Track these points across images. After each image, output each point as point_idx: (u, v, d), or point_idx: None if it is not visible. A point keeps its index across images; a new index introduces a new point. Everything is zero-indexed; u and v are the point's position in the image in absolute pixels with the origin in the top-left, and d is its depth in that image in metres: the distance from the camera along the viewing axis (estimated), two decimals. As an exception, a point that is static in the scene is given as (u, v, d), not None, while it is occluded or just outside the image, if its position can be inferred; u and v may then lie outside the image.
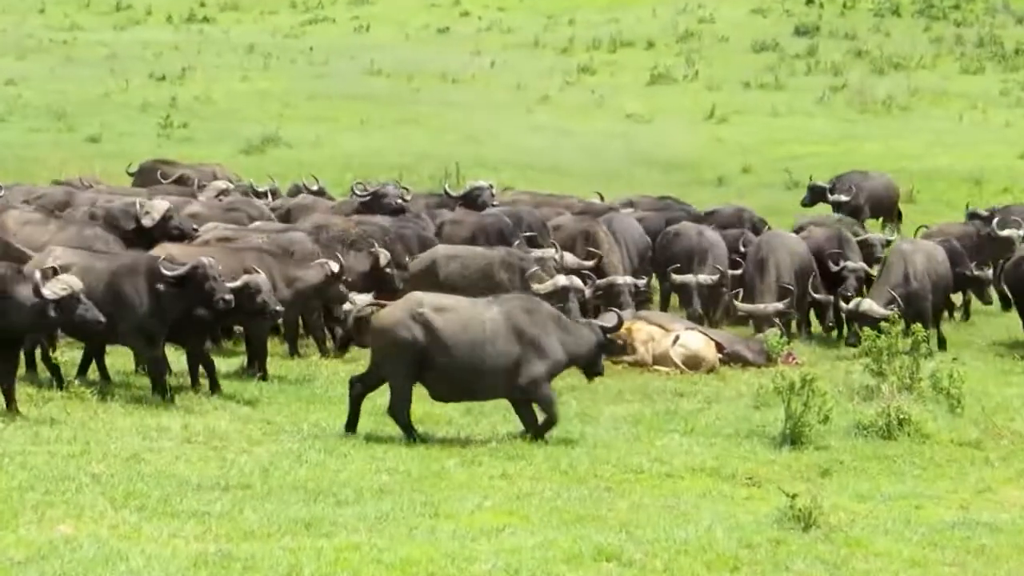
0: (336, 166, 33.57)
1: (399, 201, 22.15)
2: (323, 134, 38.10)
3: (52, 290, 14.13)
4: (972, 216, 25.22)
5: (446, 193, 24.42)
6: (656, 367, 18.45)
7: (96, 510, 11.44)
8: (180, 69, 47.04)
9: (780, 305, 19.78)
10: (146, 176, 26.50)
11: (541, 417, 14.46)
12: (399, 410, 14.35)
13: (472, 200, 23.55)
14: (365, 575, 10.15)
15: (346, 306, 17.89)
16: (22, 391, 15.30)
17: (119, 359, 17.24)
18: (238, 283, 15.69)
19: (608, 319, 14.97)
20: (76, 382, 15.57)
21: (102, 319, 14.35)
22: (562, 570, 10.40)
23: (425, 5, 61.33)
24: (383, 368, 14.44)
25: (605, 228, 21.73)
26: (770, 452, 14.33)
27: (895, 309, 18.91)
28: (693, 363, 18.38)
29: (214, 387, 15.83)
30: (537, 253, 19.44)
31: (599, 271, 20.59)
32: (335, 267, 17.30)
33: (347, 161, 34.55)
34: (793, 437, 14.51)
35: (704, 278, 20.41)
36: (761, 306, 19.86)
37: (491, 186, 24.20)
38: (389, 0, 62.19)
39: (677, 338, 18.54)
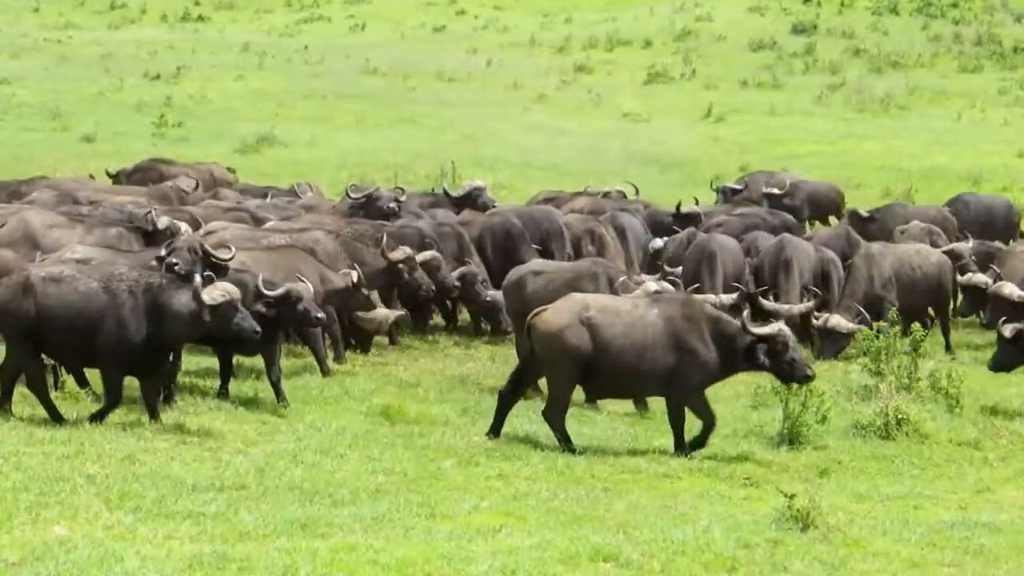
0: (332, 165, 33.57)
1: (392, 204, 22.09)
2: (319, 133, 38.11)
3: (211, 296, 14.08)
4: (851, 215, 25.20)
5: (445, 194, 24.37)
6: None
7: (91, 511, 11.41)
8: (175, 68, 47.06)
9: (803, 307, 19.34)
10: (142, 176, 26.47)
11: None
12: (556, 415, 14.23)
13: (472, 201, 23.52)
14: (361, 576, 10.14)
15: (382, 310, 17.94)
16: (17, 391, 15.27)
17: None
18: (280, 291, 15.42)
19: (770, 326, 14.34)
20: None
21: (258, 329, 14.27)
22: (559, 571, 10.39)
23: (421, 4, 61.38)
24: (547, 372, 14.30)
25: (610, 227, 21.75)
26: (768, 452, 14.35)
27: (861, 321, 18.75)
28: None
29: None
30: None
31: None
32: (355, 277, 17.41)
33: (342, 160, 34.55)
34: (791, 437, 14.52)
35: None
36: (786, 307, 19.39)
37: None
38: (385, -1, 62.26)
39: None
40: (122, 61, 48.74)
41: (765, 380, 16.07)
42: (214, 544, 10.71)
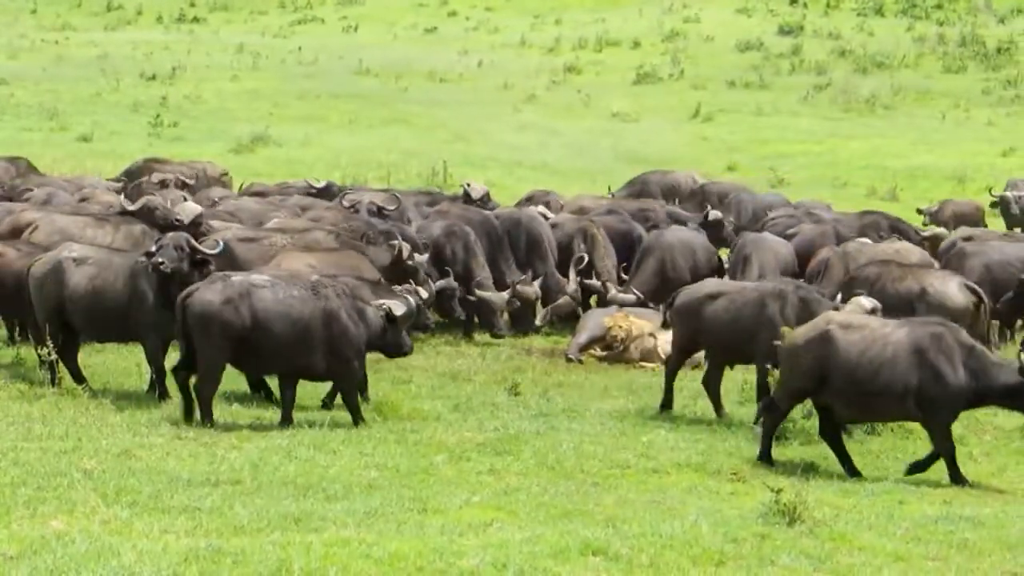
0: (325, 165, 33.63)
1: (375, 208, 22.11)
2: (312, 133, 38.16)
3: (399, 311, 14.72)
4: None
5: (467, 197, 24.34)
6: (642, 363, 18.54)
7: (88, 506, 11.50)
8: (170, 69, 47.10)
9: None
10: (136, 176, 26.54)
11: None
12: (770, 426, 14.10)
13: (482, 205, 23.65)
14: (354, 570, 10.20)
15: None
16: (14, 388, 15.41)
17: (111, 357, 17.34)
18: (404, 309, 15.12)
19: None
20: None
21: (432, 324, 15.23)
22: (549, 564, 10.45)
23: (413, 5, 61.46)
24: (788, 383, 14.07)
25: (602, 229, 21.75)
26: (755, 448, 14.40)
27: None
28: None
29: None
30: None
31: (589, 273, 20.71)
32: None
33: (336, 159, 34.61)
34: (778, 433, 14.59)
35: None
36: None
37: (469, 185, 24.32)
38: (377, 0, 62.28)
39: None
40: (118, 62, 48.80)
41: (752, 376, 16.22)
42: (209, 538, 10.79)
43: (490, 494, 12.48)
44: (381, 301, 14.85)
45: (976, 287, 17.73)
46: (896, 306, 16.46)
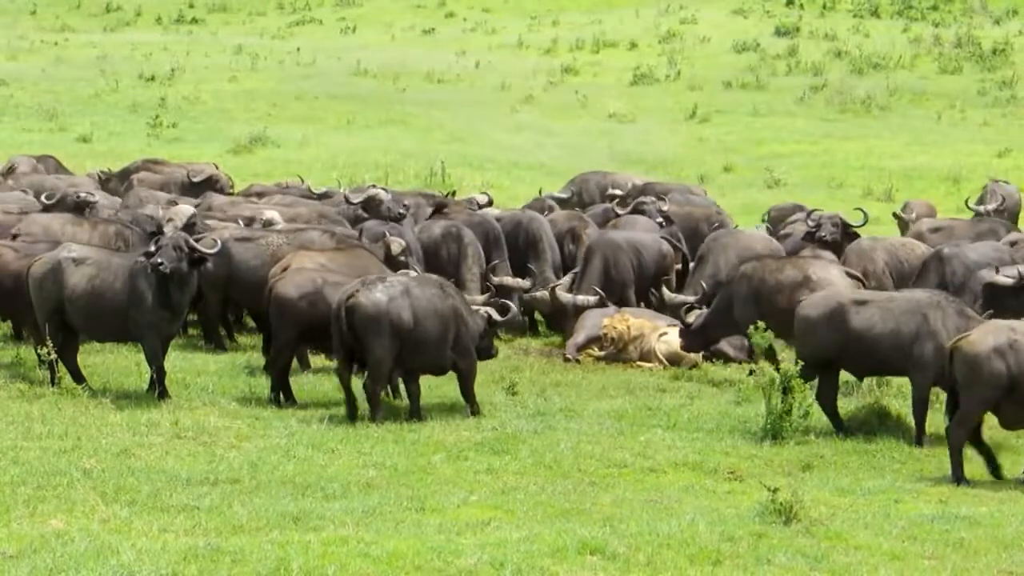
0: (322, 165, 33.64)
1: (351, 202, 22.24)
2: (310, 134, 38.17)
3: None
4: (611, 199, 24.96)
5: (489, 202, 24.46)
6: (639, 363, 18.59)
7: (87, 505, 11.56)
8: (169, 70, 47.12)
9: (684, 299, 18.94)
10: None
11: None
12: (961, 435, 13.91)
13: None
14: (352, 568, 10.25)
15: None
16: (14, 388, 15.45)
17: (111, 357, 17.38)
18: (507, 314, 16.21)
19: None
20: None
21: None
22: (547, 563, 10.51)
23: (411, 6, 61.52)
24: (963, 395, 13.81)
25: (593, 228, 21.78)
26: (752, 447, 14.46)
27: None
28: (676, 359, 18.51)
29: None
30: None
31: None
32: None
33: (333, 160, 34.62)
34: (774, 432, 14.62)
35: None
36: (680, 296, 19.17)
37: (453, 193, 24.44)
38: (375, 2, 62.37)
39: (663, 334, 18.64)
40: (117, 63, 48.82)
41: (748, 376, 16.28)
42: (208, 537, 10.86)
43: (488, 493, 12.53)
44: (481, 306, 15.79)
45: (857, 273, 17.90)
46: (773, 295, 17.16)
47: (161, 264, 15.20)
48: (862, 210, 22.14)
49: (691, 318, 17.85)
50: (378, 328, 14.69)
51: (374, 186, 23.54)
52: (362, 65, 48.64)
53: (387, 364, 14.86)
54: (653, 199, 23.01)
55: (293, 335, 15.59)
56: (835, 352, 15.20)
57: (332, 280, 15.81)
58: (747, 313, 17.18)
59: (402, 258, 18.65)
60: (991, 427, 14.33)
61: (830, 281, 17.21)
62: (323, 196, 24.05)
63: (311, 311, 15.49)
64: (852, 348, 15.13)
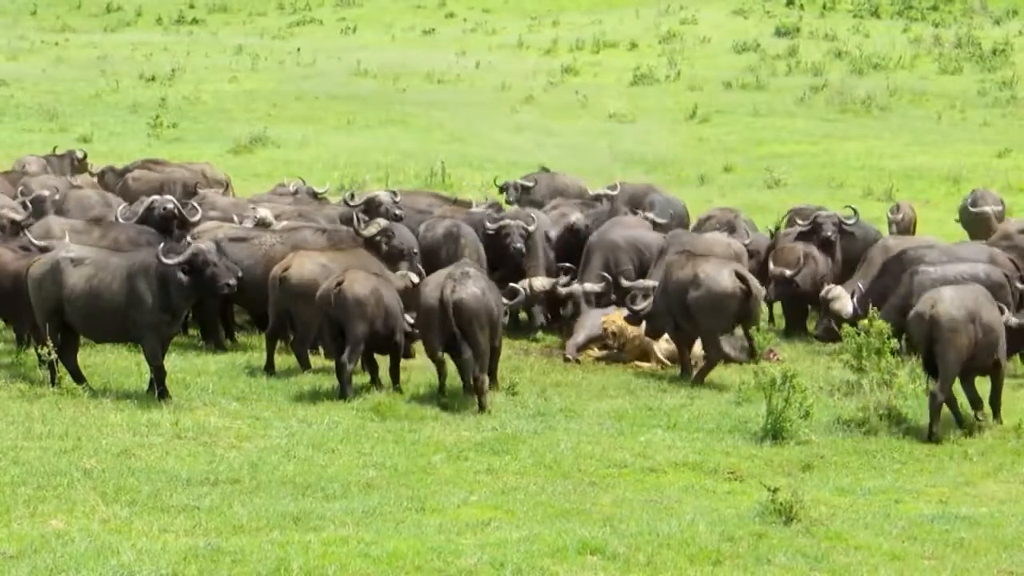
0: (323, 165, 33.64)
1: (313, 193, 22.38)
2: (310, 134, 38.19)
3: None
4: (596, 198, 24.95)
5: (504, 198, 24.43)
6: (639, 363, 18.59)
7: (87, 505, 11.58)
8: (170, 70, 47.18)
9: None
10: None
11: None
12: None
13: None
14: (352, 569, 10.27)
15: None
16: (14, 388, 15.45)
17: (111, 357, 17.38)
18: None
19: None
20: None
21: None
22: (547, 563, 10.53)
23: (411, 7, 61.61)
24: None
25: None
26: (752, 447, 14.47)
27: None
28: (676, 358, 18.49)
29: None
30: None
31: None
32: (414, 278, 17.84)
33: (333, 160, 34.63)
34: (774, 432, 14.63)
35: None
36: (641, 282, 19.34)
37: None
38: (375, 2, 62.44)
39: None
40: (118, 63, 48.90)
41: (749, 376, 16.29)
42: (208, 537, 10.88)
43: (488, 493, 12.55)
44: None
45: (746, 274, 17.88)
46: (676, 291, 17.54)
47: (229, 285, 15.48)
48: (852, 208, 22.19)
49: (639, 305, 18.23)
50: (479, 319, 15.76)
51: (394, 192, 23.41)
52: (362, 65, 48.68)
53: (487, 350, 15.89)
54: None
55: (367, 331, 16.05)
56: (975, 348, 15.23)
57: (385, 278, 16.82)
58: (663, 304, 17.78)
59: (379, 241, 18.74)
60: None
61: (716, 280, 17.45)
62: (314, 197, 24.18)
63: (376, 309, 16.11)
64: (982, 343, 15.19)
